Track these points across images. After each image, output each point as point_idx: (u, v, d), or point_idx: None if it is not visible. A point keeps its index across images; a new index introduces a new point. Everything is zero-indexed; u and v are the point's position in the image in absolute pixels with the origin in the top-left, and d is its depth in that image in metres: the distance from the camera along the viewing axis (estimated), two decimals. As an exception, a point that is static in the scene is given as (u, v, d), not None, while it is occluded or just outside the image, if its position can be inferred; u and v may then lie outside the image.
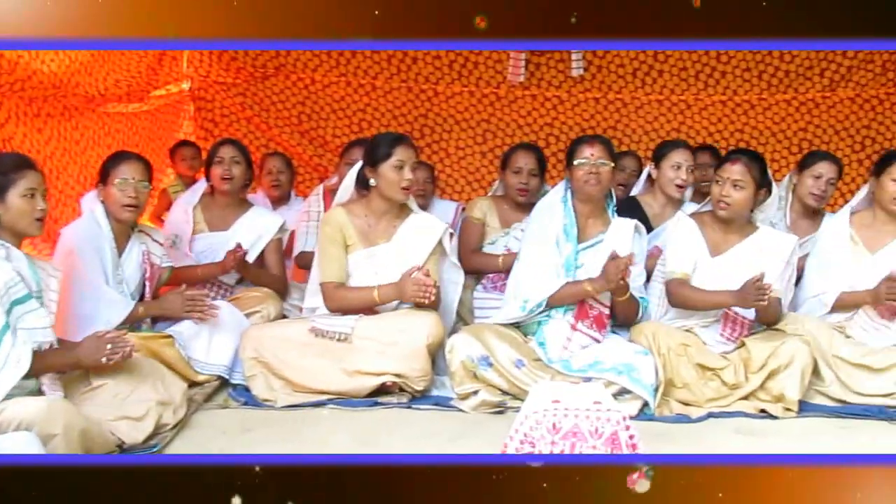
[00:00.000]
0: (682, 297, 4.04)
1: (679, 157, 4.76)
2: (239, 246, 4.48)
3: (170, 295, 4.15)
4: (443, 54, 6.83)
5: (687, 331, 4.08)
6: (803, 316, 4.14)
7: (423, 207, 5.22)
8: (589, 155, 4.06)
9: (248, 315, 4.38)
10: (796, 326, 4.01)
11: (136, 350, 3.44)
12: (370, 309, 4.09)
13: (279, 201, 5.61)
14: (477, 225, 4.90)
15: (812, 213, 4.79)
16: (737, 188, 4.01)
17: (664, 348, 3.91)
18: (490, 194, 5.23)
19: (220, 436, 3.55)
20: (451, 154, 6.98)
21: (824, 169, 4.69)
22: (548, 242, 4.11)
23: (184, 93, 6.61)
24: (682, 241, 4.14)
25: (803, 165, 4.78)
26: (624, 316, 4.15)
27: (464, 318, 4.60)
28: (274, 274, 4.77)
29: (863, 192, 4.38)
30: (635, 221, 4.17)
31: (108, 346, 3.23)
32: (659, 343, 3.93)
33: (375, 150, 4.09)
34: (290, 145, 6.82)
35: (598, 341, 4.04)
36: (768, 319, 4.05)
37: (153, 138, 6.24)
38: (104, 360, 3.23)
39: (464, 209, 5.29)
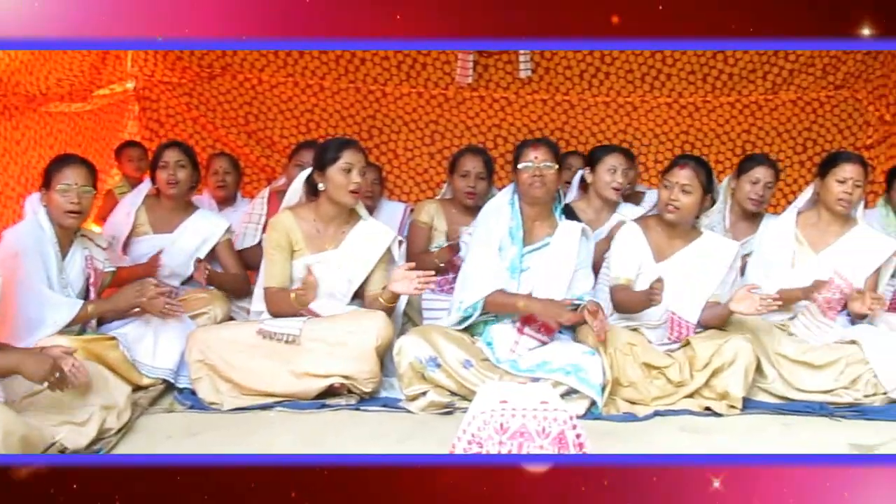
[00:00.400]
0: (626, 304, 4.08)
1: (615, 160, 4.81)
2: (199, 260, 4.50)
3: (124, 289, 4.05)
4: (391, 55, 6.82)
5: (633, 330, 4.12)
6: (747, 317, 4.19)
7: (371, 209, 5.22)
8: (533, 158, 4.08)
9: (194, 317, 4.33)
10: (739, 325, 4.07)
11: (79, 354, 3.39)
12: (311, 311, 4.07)
13: (225, 202, 5.56)
14: (424, 229, 4.91)
15: (751, 216, 4.86)
16: (685, 193, 4.06)
17: (611, 348, 3.94)
18: (438, 197, 5.23)
19: (165, 440, 3.51)
20: (400, 155, 6.97)
21: (761, 174, 4.77)
22: (493, 245, 4.12)
23: (128, 92, 6.52)
24: (626, 247, 4.18)
25: (741, 170, 4.85)
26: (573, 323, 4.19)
27: (412, 319, 4.59)
28: (234, 274, 4.74)
29: (808, 193, 4.46)
30: (582, 225, 4.20)
31: (51, 367, 3.14)
32: (605, 342, 3.96)
33: (324, 154, 4.07)
34: (237, 146, 6.76)
35: (545, 344, 4.06)
36: (713, 324, 4.10)
37: (97, 139, 6.14)
38: (45, 383, 3.16)
39: (412, 210, 5.28)
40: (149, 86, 6.62)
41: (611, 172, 4.79)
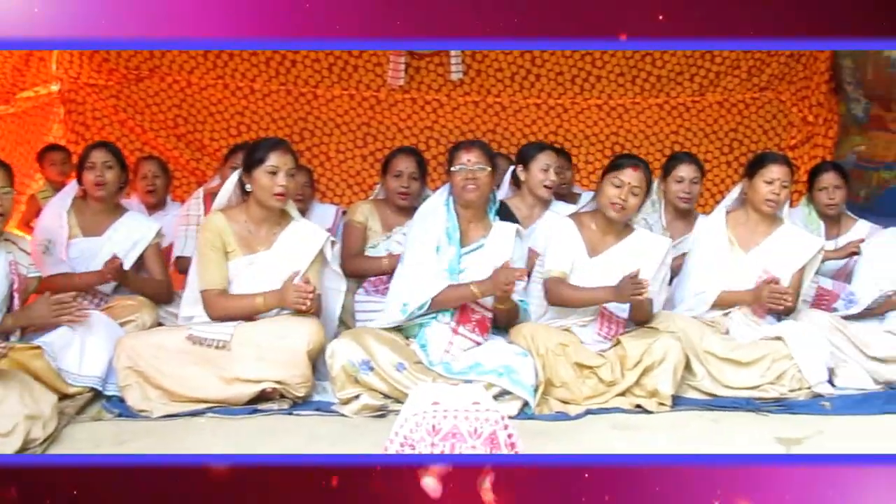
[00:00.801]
0: (559, 295, 4.11)
1: (547, 158, 4.86)
2: (115, 256, 4.37)
3: (36, 302, 3.97)
4: (322, 57, 6.80)
5: (565, 330, 4.16)
6: (675, 314, 4.27)
7: (303, 211, 5.18)
8: (466, 161, 4.09)
9: (122, 324, 4.25)
10: (668, 324, 4.13)
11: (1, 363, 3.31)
12: (250, 316, 4.03)
13: (155, 207, 5.49)
14: (359, 228, 4.89)
15: (686, 214, 4.95)
16: (634, 195, 4.11)
17: (543, 349, 3.97)
18: (372, 198, 5.22)
19: (93, 449, 3.44)
20: (332, 157, 6.95)
21: (685, 172, 4.87)
22: (430, 246, 4.12)
23: (53, 95, 6.41)
24: (560, 241, 4.21)
25: (666, 170, 4.95)
26: (505, 320, 4.20)
27: (345, 322, 4.57)
28: (158, 280, 4.65)
29: (735, 193, 4.54)
30: (517, 226, 4.22)
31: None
32: (538, 344, 3.98)
33: (251, 155, 4.03)
34: (166, 149, 6.67)
35: (479, 344, 4.08)
36: (641, 318, 4.16)
37: (21, 142, 6.03)
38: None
39: (344, 213, 5.26)
40: (74, 88, 6.50)
41: (543, 170, 4.84)
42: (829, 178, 5.14)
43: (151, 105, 6.69)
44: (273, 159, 3.97)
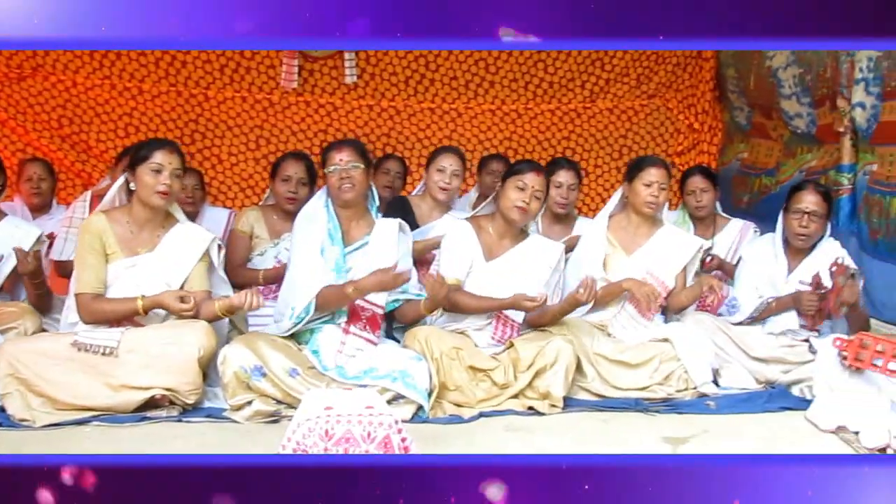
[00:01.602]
0: (454, 303, 4.14)
1: (445, 161, 4.91)
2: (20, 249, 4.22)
3: None
4: (213, 59, 6.71)
5: (460, 333, 4.18)
6: (567, 317, 4.33)
7: (194, 215, 5.10)
8: (339, 160, 4.07)
9: (2, 332, 4.11)
10: (560, 327, 4.19)
11: None
12: (132, 321, 3.93)
13: (40, 209, 5.33)
14: (242, 238, 4.82)
15: (562, 219, 5.05)
16: (536, 198, 4.16)
17: (437, 352, 3.98)
18: (261, 203, 5.16)
19: (-29, 461, 3.32)
20: (224, 160, 6.85)
21: (563, 177, 4.96)
22: (314, 249, 4.09)
23: (-72, 93, 6.15)
24: (456, 247, 4.24)
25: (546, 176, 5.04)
26: (401, 315, 4.22)
27: (238, 327, 4.51)
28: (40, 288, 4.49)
29: (616, 197, 4.64)
30: (399, 221, 4.22)
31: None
32: (432, 348, 3.99)
33: (136, 153, 3.95)
34: (51, 150, 6.47)
35: (373, 343, 4.06)
36: (538, 323, 4.21)
37: None
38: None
39: (237, 216, 5.19)
40: (-48, 87, 6.26)
41: (440, 172, 4.86)
42: (695, 182, 5.31)
43: (34, 105, 6.49)
44: (158, 157, 3.89)
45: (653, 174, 4.44)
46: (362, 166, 4.10)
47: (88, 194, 5.02)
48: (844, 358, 3.67)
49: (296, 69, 6.75)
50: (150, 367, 3.78)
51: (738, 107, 6.90)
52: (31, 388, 3.74)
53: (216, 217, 5.19)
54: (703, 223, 5.33)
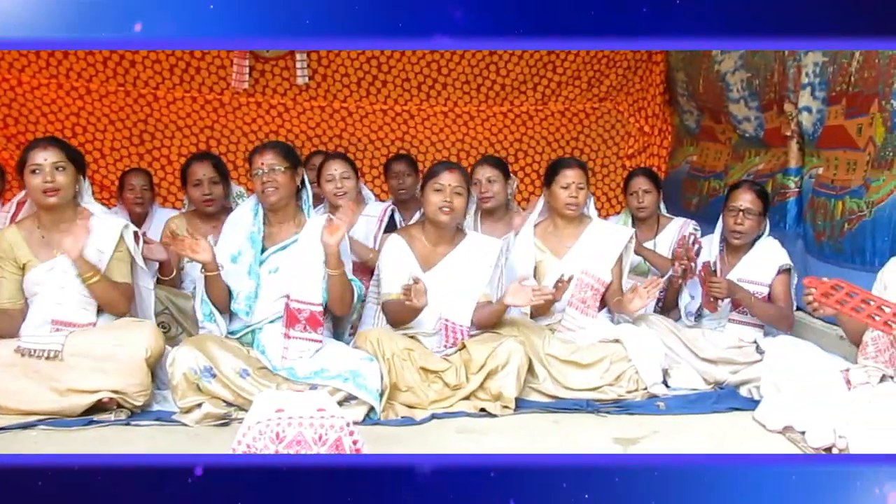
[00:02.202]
0: (399, 318, 4.18)
1: (331, 167, 4.98)
2: None
3: None
4: (163, 58, 6.64)
5: (411, 337, 4.18)
6: (519, 318, 4.35)
7: (143, 216, 5.05)
8: (261, 164, 4.05)
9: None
10: (512, 328, 4.20)
11: None
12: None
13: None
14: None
15: (501, 215, 5.09)
16: (458, 194, 4.17)
17: (388, 353, 3.97)
18: (184, 210, 5.11)
19: (-89, 467, 3.24)
20: (173, 161, 6.78)
21: (479, 174, 5.03)
22: (223, 257, 4.09)
23: None
24: (391, 263, 4.25)
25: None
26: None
27: (187, 329, 4.48)
28: None
29: (539, 206, 4.70)
30: (327, 215, 4.16)
31: None
32: (384, 349, 3.99)
33: (18, 160, 3.92)
34: (-7, 152, 6.36)
35: (317, 342, 4.03)
36: (489, 323, 4.22)
37: None
38: None
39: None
40: None
41: (329, 181, 4.95)
42: (638, 183, 5.43)
43: (-22, 104, 6.37)
44: (33, 157, 3.82)
45: (569, 175, 4.49)
46: (284, 168, 4.07)
47: (14, 203, 4.89)
48: (809, 298, 3.50)
49: (247, 69, 6.70)
50: (97, 370, 3.74)
51: (687, 110, 6.97)
52: (-25, 393, 3.68)
53: (166, 218, 5.12)
54: (646, 224, 5.41)
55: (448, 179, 4.17)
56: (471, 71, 7.11)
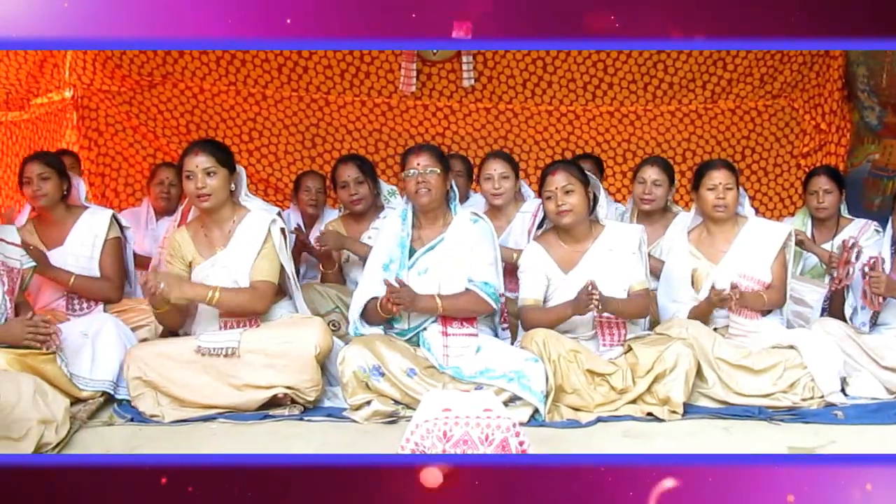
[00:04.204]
0: (532, 322, 4.15)
1: (489, 167, 4.98)
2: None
3: (12, 321, 3.86)
4: (334, 64, 6.82)
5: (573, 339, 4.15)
6: (687, 320, 4.25)
7: (315, 217, 5.25)
8: (416, 165, 4.11)
9: (134, 329, 4.29)
10: (680, 330, 4.11)
11: (14, 367, 3.32)
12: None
13: (168, 213, 5.51)
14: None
15: (659, 217, 5.06)
16: (566, 192, 4.13)
17: (554, 355, 3.95)
18: (340, 214, 5.33)
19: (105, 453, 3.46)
20: (345, 164, 6.94)
21: (645, 175, 5.01)
22: (376, 265, 4.19)
23: (66, 101, 6.40)
24: (530, 268, 4.24)
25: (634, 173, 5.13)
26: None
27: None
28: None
29: (692, 211, 4.61)
30: (470, 210, 4.33)
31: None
32: (549, 350, 3.97)
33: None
34: (178, 155, 6.67)
35: (474, 335, 4.07)
36: (627, 315, 4.16)
37: (35, 148, 6.05)
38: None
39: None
40: (87, 94, 6.49)
41: (488, 180, 4.96)
42: (819, 182, 5.23)
43: (164, 111, 6.71)
44: (186, 164, 4.09)
45: (715, 177, 4.38)
46: (438, 171, 4.12)
47: (179, 212, 5.03)
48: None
49: (414, 73, 6.80)
50: (271, 366, 3.90)
51: (868, 106, 6.64)
52: (159, 389, 3.91)
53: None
54: (825, 225, 5.19)
55: (554, 183, 4.15)
56: (637, 70, 6.98)
